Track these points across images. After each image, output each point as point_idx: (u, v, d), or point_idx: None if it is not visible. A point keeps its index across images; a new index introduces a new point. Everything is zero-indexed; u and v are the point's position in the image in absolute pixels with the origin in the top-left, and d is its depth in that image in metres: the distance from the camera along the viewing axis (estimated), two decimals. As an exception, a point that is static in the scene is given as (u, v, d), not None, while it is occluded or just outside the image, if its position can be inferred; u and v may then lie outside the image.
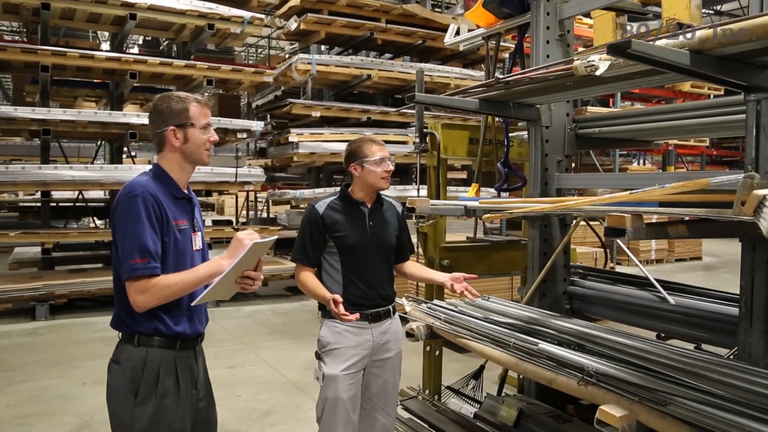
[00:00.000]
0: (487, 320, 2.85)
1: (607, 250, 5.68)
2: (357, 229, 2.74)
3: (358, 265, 2.73)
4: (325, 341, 2.73)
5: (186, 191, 2.23)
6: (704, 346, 2.87)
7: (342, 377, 2.67)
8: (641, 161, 18.03)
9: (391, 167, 2.76)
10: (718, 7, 16.20)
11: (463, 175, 13.84)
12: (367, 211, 2.78)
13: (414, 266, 3.02)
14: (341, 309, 2.47)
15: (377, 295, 2.75)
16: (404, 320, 3.20)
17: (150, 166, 2.25)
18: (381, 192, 2.88)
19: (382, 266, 2.79)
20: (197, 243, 2.22)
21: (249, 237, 2.05)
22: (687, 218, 2.20)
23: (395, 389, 2.86)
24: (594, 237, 9.98)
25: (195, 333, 2.18)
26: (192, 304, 2.08)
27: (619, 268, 9.10)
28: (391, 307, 2.82)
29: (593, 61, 2.21)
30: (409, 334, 3.03)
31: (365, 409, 2.80)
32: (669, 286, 3.16)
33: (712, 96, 11.21)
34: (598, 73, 2.20)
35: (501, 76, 2.88)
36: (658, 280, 3.15)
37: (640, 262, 4.06)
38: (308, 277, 2.74)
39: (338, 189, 2.88)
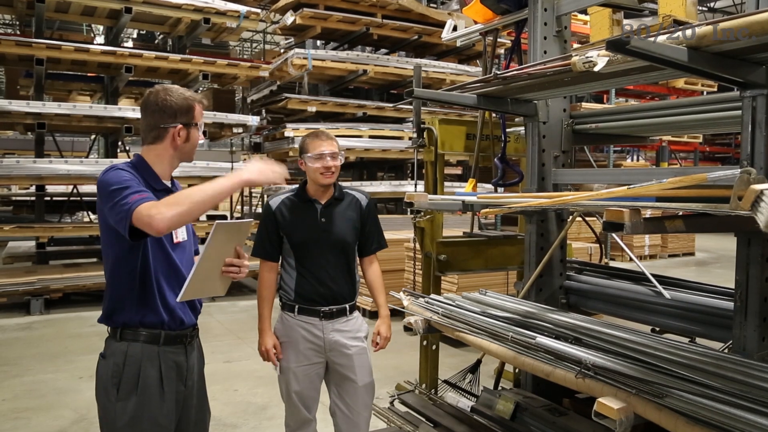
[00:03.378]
0: (484, 314, 2.86)
1: (602, 245, 5.71)
2: (307, 226, 2.73)
3: (311, 262, 2.73)
4: (278, 333, 2.78)
5: (169, 184, 2.16)
6: (698, 340, 2.90)
7: (295, 370, 2.73)
8: (635, 157, 18.11)
9: (331, 163, 2.68)
10: (712, 4, 16.27)
11: (458, 171, 13.87)
12: (320, 207, 2.76)
13: (374, 277, 2.95)
14: (271, 356, 2.73)
15: (330, 292, 2.74)
16: (400, 313, 3.22)
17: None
18: (345, 186, 2.88)
19: (337, 264, 2.76)
20: (178, 235, 2.16)
21: (269, 166, 2.01)
22: (680, 213, 2.22)
23: (367, 388, 2.83)
24: (588, 232, 10.02)
25: (180, 327, 2.13)
26: (177, 299, 2.02)
27: (612, 264, 9.15)
28: (348, 305, 2.80)
29: (591, 57, 2.22)
30: (407, 328, 3.05)
31: (337, 405, 2.82)
32: (664, 280, 3.19)
33: (705, 92, 11.29)
34: (596, 69, 2.22)
35: (499, 72, 2.89)
36: (653, 275, 3.18)
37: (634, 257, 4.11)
38: (263, 283, 2.79)
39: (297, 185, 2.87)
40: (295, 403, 2.74)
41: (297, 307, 2.74)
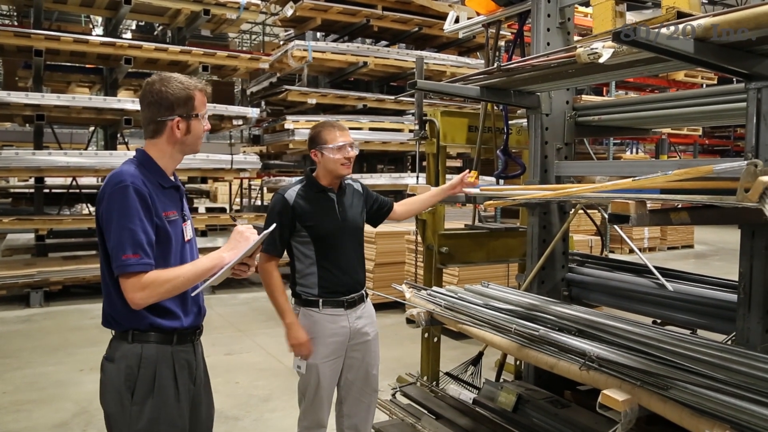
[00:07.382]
0: (487, 306, 2.86)
1: (603, 237, 5.71)
2: (328, 217, 2.73)
3: (332, 253, 2.73)
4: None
5: (173, 179, 2.09)
6: (700, 332, 2.90)
7: (322, 366, 2.71)
8: (634, 150, 18.07)
9: (353, 153, 2.72)
10: (713, -4, 16.21)
11: (458, 163, 13.84)
12: (335, 197, 2.77)
13: (407, 201, 3.08)
14: (308, 348, 2.68)
15: (352, 280, 2.77)
16: (401, 306, 3.21)
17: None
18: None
19: (354, 251, 2.80)
20: (188, 233, 2.11)
21: (249, 231, 1.96)
22: (680, 205, 2.21)
23: (376, 371, 2.89)
24: (588, 224, 9.99)
25: (192, 326, 2.09)
26: (193, 294, 1.98)
27: (612, 256, 9.14)
28: (364, 291, 2.84)
29: (596, 48, 2.21)
30: (409, 321, 3.05)
31: (348, 392, 2.84)
32: (666, 272, 3.19)
33: (704, 85, 11.26)
34: (601, 60, 2.21)
35: (502, 64, 2.88)
36: (654, 267, 3.18)
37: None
38: (276, 279, 2.74)
39: (302, 176, 2.86)
40: (321, 401, 2.73)
41: (321, 300, 2.72)
